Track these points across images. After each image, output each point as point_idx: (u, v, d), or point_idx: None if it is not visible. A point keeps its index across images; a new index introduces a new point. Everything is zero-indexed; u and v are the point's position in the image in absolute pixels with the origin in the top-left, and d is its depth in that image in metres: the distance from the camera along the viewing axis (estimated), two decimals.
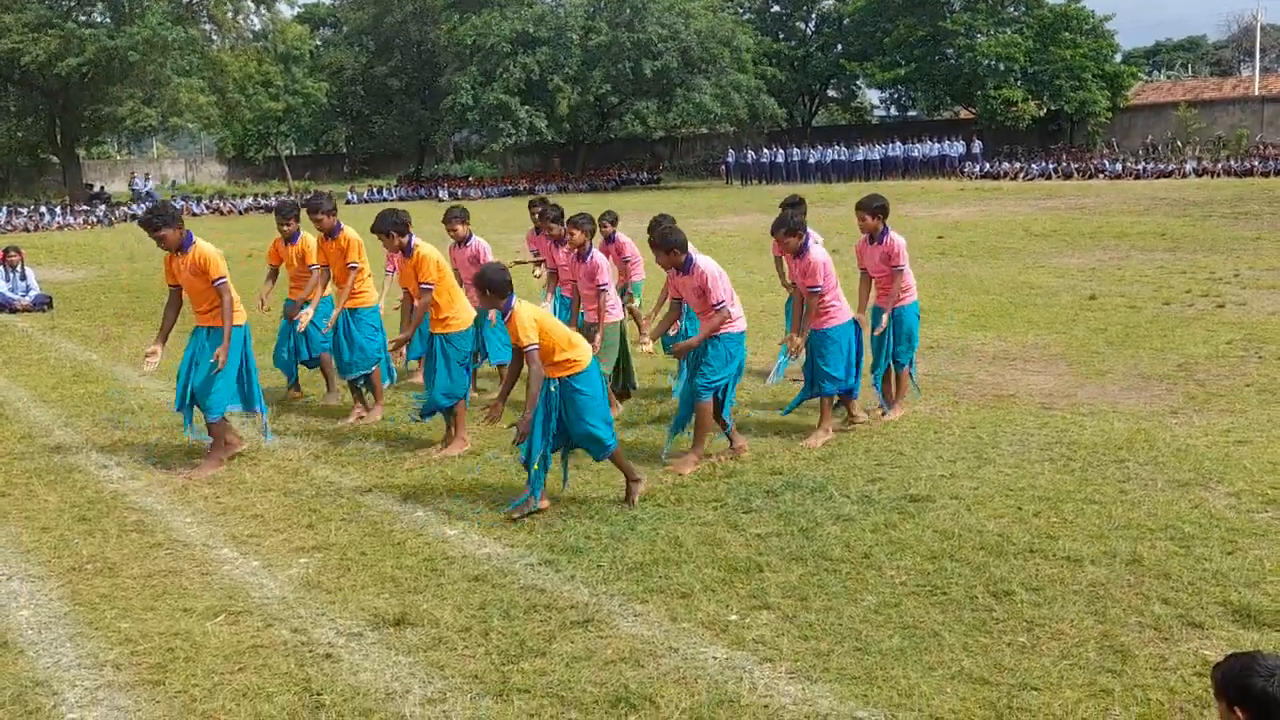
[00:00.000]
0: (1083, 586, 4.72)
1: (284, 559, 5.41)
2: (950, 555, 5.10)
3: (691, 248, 6.83)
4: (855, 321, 7.32)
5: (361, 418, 8.11)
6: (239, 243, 23.81)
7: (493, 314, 5.73)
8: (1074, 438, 6.97)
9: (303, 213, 8.39)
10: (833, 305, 7.18)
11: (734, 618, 4.56)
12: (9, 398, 9.36)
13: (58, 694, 4.12)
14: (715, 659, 4.22)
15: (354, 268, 8.06)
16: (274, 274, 8.92)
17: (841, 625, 4.44)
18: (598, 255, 7.73)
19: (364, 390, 8.29)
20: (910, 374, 7.84)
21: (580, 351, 5.96)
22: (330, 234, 8.08)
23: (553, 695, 3.99)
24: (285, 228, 8.58)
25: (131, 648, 4.46)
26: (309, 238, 8.62)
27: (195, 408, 7.17)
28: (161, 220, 7.03)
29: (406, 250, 7.30)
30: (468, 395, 7.39)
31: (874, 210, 7.54)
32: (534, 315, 5.81)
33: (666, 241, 6.61)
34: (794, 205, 8.45)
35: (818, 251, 7.18)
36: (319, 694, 4.05)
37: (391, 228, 7.24)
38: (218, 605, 4.86)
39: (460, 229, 8.77)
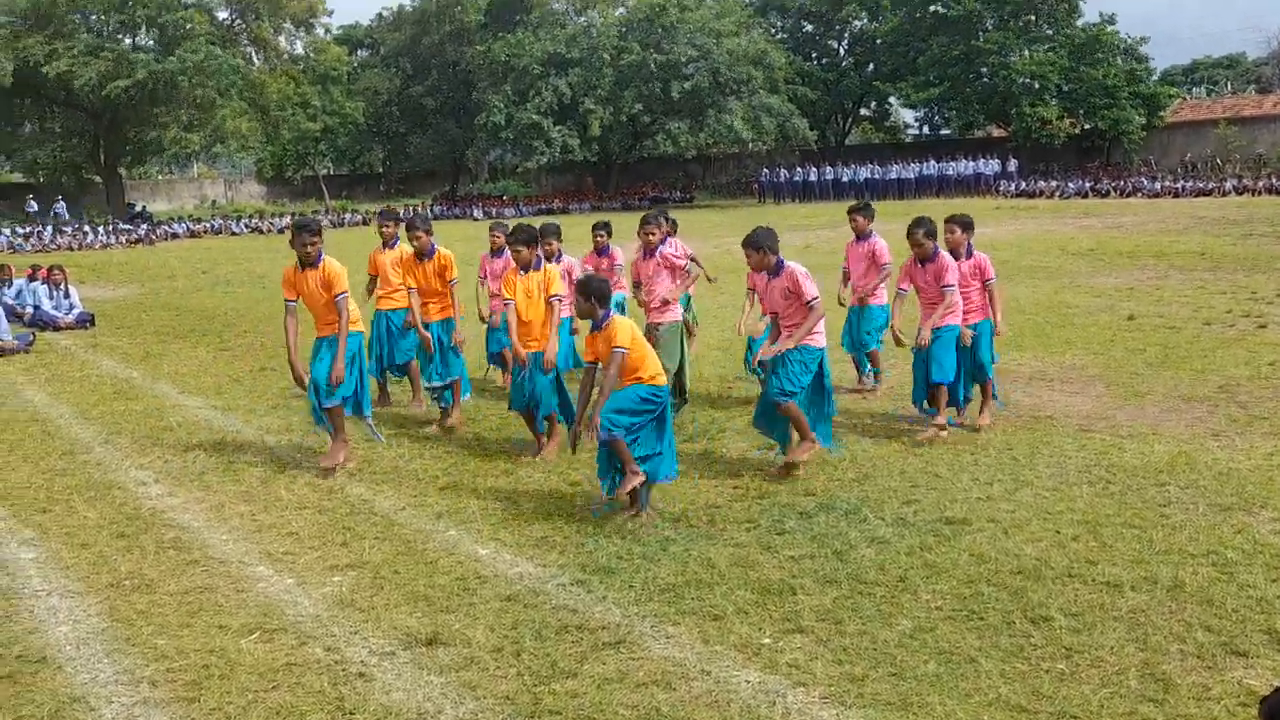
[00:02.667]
0: (1123, 613, 4.64)
1: (318, 577, 5.44)
2: (987, 579, 5.04)
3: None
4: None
5: (443, 426, 8.40)
6: (279, 261, 24.12)
7: (578, 323, 6.24)
8: (1113, 460, 6.88)
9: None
10: (957, 304, 7.64)
11: (767, 641, 4.52)
12: (51, 414, 9.51)
13: (95, 710, 4.16)
14: (748, 682, 4.18)
15: (454, 284, 8.47)
16: (373, 284, 9.33)
17: (876, 650, 4.40)
18: (668, 249, 8.07)
19: (440, 402, 8.57)
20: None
21: (659, 379, 6.14)
22: (427, 254, 8.41)
23: (584, 717, 3.97)
24: (385, 229, 9.13)
25: (167, 664, 4.50)
26: (406, 248, 8.90)
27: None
28: (312, 230, 7.43)
29: (536, 265, 7.56)
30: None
31: (966, 225, 7.89)
32: (630, 327, 6.13)
33: (756, 242, 6.79)
34: (863, 209, 9.19)
35: (948, 255, 7.61)
36: (351, 713, 4.06)
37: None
38: (252, 623, 4.89)
39: (554, 245, 9.00)
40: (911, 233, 7.55)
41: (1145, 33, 49.67)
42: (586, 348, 6.35)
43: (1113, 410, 8.25)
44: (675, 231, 9.86)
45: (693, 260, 9.71)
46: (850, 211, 9.25)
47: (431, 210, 49.28)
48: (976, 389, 8.01)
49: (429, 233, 8.42)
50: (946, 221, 7.89)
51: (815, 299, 6.70)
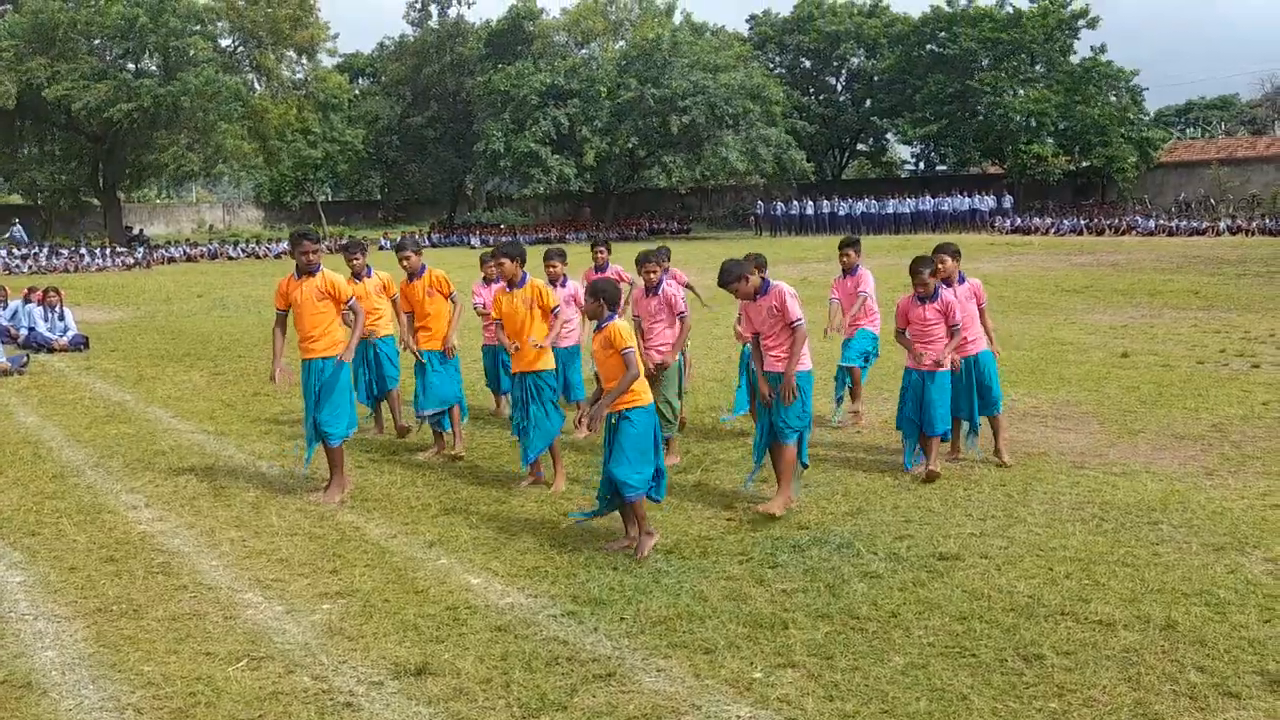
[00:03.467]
0: (1115, 651, 4.63)
1: (308, 604, 5.41)
2: (980, 616, 5.02)
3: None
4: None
5: (440, 453, 8.42)
6: (274, 286, 24.11)
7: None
8: (1106, 498, 6.88)
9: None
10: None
11: (758, 675, 4.49)
12: (43, 437, 9.47)
13: None
14: (739, 718, 4.15)
15: (454, 296, 8.50)
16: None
17: (868, 686, 4.37)
18: (669, 287, 8.13)
19: (437, 427, 8.55)
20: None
21: (644, 398, 6.21)
22: (418, 274, 8.45)
23: None
24: (354, 261, 9.11)
25: (154, 691, 4.46)
26: (383, 274, 9.08)
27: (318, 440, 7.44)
28: (312, 238, 7.54)
29: (522, 282, 7.56)
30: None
31: (955, 254, 7.94)
32: (630, 330, 6.28)
33: (732, 274, 6.78)
34: (854, 244, 9.27)
35: (949, 291, 7.68)
36: None
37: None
38: (240, 650, 4.85)
39: (559, 267, 8.92)
40: (918, 272, 7.60)
41: (1141, 77, 49.98)
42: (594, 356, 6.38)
43: (1106, 447, 8.26)
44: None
45: (688, 288, 9.72)
46: (842, 246, 9.29)
47: (429, 238, 49.53)
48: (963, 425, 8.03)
49: (418, 253, 8.49)
50: (936, 251, 7.92)
51: (799, 320, 6.70)
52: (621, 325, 6.20)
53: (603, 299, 6.24)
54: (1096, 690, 4.29)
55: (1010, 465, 7.68)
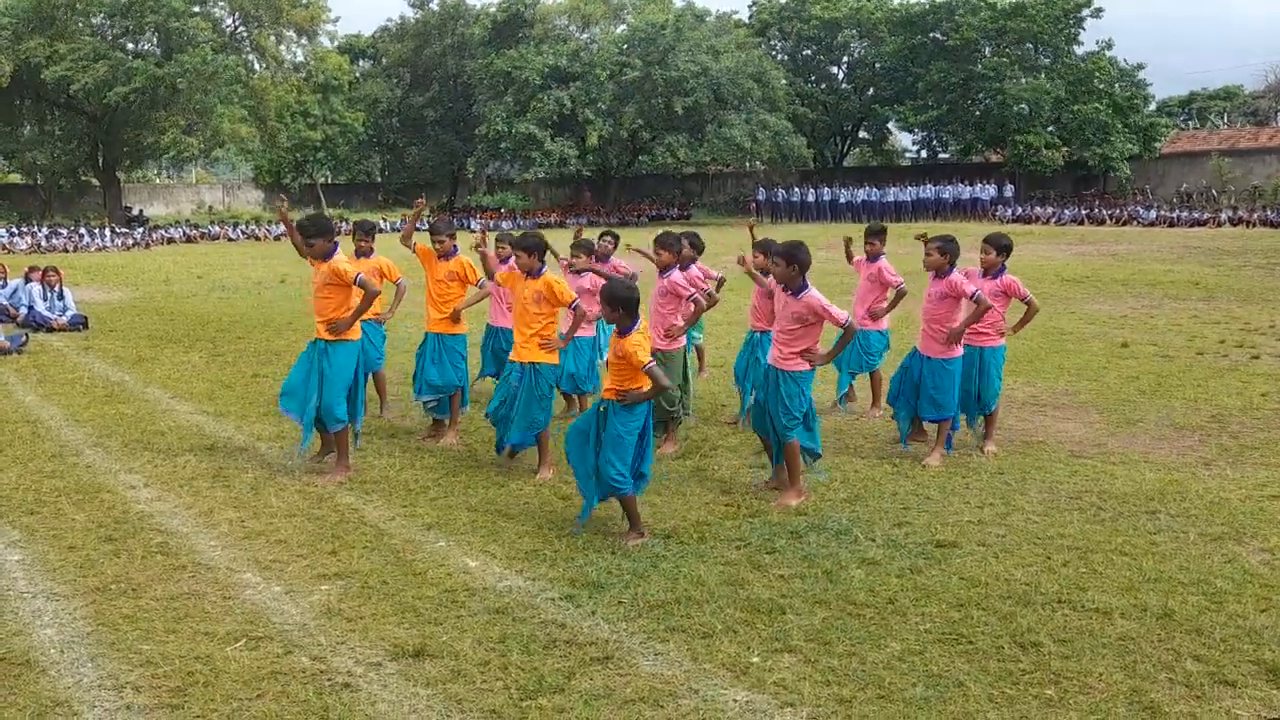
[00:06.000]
0: (1112, 640, 4.64)
1: (306, 585, 5.41)
2: (977, 603, 5.03)
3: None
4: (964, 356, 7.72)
5: (434, 439, 8.39)
6: (273, 267, 24.10)
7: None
8: (1104, 487, 6.89)
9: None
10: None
11: (755, 660, 4.51)
12: (41, 416, 9.47)
13: (77, 714, 4.12)
14: (735, 701, 4.17)
15: (481, 284, 8.49)
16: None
17: (864, 671, 4.38)
18: (675, 277, 8.06)
19: (435, 413, 8.53)
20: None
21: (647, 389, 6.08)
22: (449, 255, 8.46)
23: None
24: (361, 244, 9.17)
25: (152, 670, 4.47)
26: (383, 259, 9.05)
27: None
28: (312, 228, 7.53)
29: (536, 272, 7.34)
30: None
31: (1001, 248, 7.88)
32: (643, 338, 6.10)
33: (794, 256, 6.57)
34: (879, 233, 9.13)
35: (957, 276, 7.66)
36: None
37: (534, 248, 7.47)
38: (239, 630, 4.86)
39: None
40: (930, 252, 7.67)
41: (1144, 70, 49.84)
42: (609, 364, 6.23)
43: (1105, 437, 8.27)
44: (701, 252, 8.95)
45: (719, 282, 9.38)
46: (868, 234, 9.06)
47: (428, 222, 49.31)
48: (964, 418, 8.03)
49: (452, 236, 8.51)
50: (983, 240, 7.95)
51: (849, 319, 6.53)
52: (637, 338, 5.98)
53: (620, 307, 6.00)
54: (1093, 678, 4.30)
55: (994, 455, 7.69)
